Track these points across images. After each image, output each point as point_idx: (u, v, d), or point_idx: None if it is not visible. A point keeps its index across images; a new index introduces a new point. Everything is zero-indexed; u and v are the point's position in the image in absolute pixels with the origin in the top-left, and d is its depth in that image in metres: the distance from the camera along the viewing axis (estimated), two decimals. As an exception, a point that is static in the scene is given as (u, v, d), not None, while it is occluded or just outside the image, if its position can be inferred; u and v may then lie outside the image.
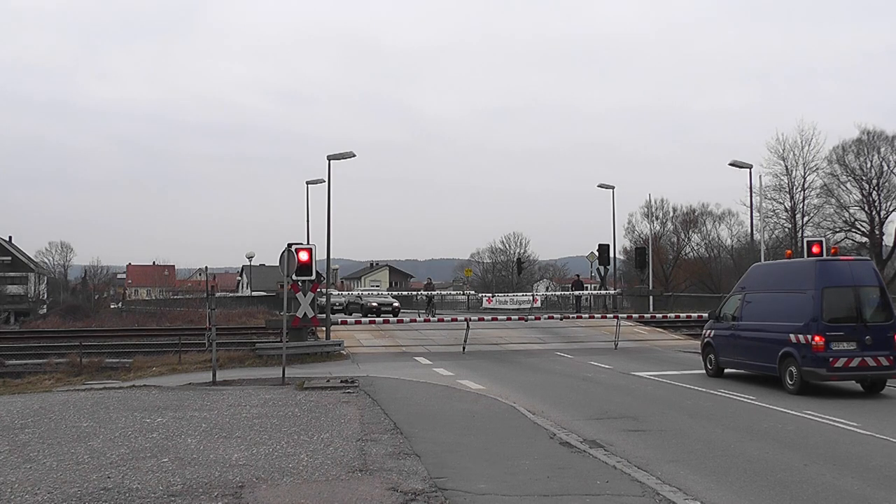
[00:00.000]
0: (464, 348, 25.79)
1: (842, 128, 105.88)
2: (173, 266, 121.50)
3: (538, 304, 50.28)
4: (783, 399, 14.72)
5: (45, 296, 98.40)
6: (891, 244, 53.97)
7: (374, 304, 44.57)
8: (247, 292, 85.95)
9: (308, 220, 35.58)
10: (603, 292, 45.78)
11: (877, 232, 53.92)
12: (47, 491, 8.02)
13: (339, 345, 24.50)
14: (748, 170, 29.80)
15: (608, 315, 29.73)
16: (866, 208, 54.58)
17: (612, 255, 45.11)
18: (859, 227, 54.39)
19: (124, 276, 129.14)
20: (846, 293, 15.47)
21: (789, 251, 20.03)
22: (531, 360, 22.96)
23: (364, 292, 52.78)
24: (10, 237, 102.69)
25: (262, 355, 22.80)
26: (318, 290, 26.21)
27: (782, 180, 55.67)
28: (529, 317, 34.67)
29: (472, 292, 54.15)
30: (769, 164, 55.01)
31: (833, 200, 54.98)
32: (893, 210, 54.34)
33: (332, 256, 30.86)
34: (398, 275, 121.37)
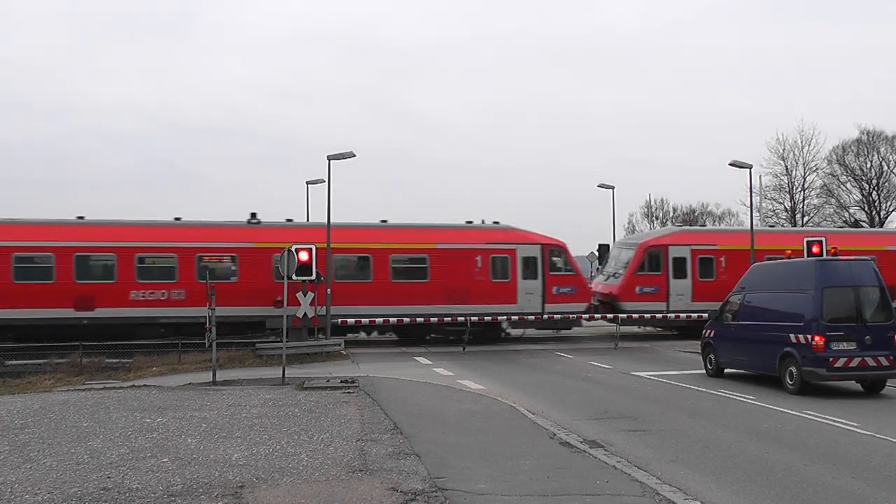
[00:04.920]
0: (464, 348, 25.79)
1: (842, 128, 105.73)
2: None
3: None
4: (783, 399, 14.72)
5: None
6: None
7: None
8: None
9: (308, 221, 35.49)
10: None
11: (877, 232, 53.95)
12: (47, 491, 8.02)
13: (339, 345, 24.49)
14: (748, 170, 29.76)
15: (608, 315, 29.69)
16: (866, 208, 54.64)
17: (612, 255, 45.02)
18: (859, 227, 54.43)
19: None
20: (846, 293, 15.47)
21: (789, 251, 20.01)
22: (531, 360, 22.96)
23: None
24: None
25: (262, 355, 22.81)
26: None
27: (782, 180, 55.78)
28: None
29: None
30: (769, 164, 55.13)
31: (833, 200, 55.05)
32: (893, 210, 54.45)
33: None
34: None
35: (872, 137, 54.29)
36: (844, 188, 55.20)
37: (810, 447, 10.53)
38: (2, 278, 25.36)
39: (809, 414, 12.99)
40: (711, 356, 18.63)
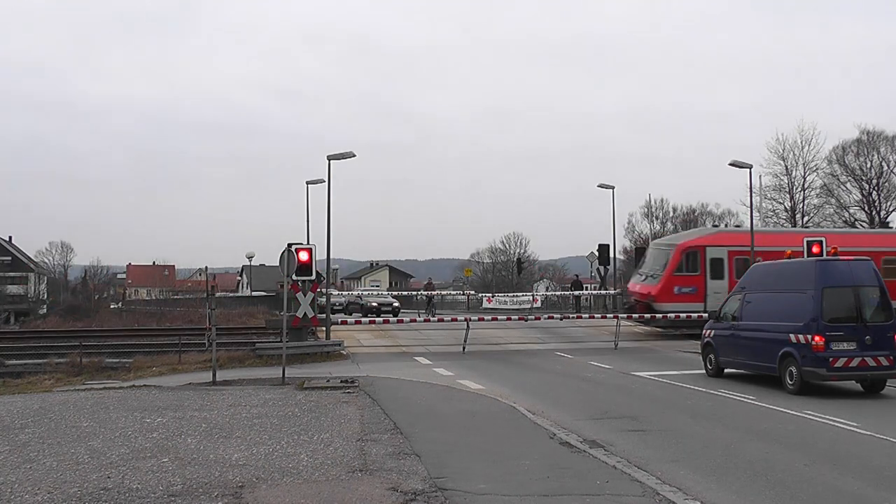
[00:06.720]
0: (464, 348, 25.78)
1: (842, 128, 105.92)
2: (173, 266, 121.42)
3: (538, 304, 50.17)
4: (783, 399, 14.72)
5: (45, 296, 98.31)
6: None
7: (375, 304, 44.62)
8: (247, 292, 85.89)
9: (308, 220, 35.43)
10: (603, 292, 45.72)
11: (877, 232, 53.93)
12: (47, 491, 8.02)
13: (339, 345, 24.50)
14: (748, 170, 29.73)
15: (608, 315, 29.70)
16: (866, 208, 54.61)
17: (612, 255, 45.04)
18: (859, 227, 54.39)
19: (124, 276, 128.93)
20: (846, 293, 15.47)
21: (789, 251, 20.01)
22: (531, 360, 22.96)
23: (364, 292, 52.79)
24: (10, 237, 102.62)
25: (262, 355, 22.80)
26: (318, 290, 26.19)
27: (782, 180, 55.70)
28: (529, 317, 34.62)
29: (472, 292, 54.03)
30: (769, 164, 55.03)
31: (833, 200, 55.01)
32: (893, 210, 54.40)
33: (332, 256, 30.79)
34: (398, 275, 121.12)
35: (872, 137, 54.27)
36: (844, 188, 55.16)
37: (810, 447, 10.53)
38: None
39: (809, 414, 12.99)
40: (711, 356, 18.63)
